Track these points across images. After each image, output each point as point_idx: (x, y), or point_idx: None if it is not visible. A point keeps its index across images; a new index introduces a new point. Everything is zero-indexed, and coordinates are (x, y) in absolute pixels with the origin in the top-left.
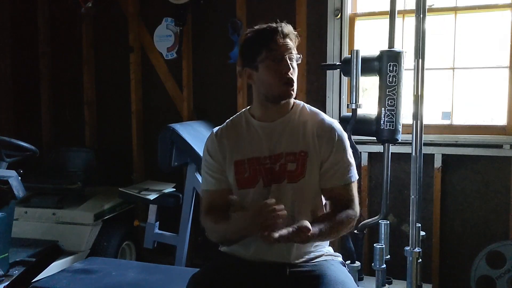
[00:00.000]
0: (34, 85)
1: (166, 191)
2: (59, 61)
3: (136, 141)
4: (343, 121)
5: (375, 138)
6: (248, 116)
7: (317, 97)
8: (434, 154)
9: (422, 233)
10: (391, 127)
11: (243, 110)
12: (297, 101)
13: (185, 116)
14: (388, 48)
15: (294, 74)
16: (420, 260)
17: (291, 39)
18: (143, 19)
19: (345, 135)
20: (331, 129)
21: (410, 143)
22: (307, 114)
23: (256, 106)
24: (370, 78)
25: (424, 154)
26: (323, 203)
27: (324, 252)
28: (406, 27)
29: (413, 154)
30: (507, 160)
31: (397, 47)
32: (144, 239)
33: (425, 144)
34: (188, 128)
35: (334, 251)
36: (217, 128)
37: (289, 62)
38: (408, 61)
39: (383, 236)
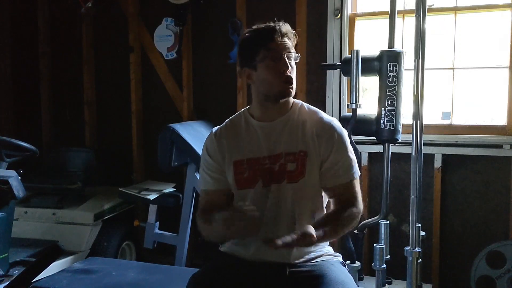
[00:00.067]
0: (34, 85)
1: (166, 191)
2: (59, 61)
3: (136, 141)
4: (343, 121)
5: (375, 138)
6: (248, 116)
7: (317, 97)
8: (434, 154)
9: (422, 233)
10: (391, 127)
11: (243, 110)
12: (296, 100)
13: (185, 116)
14: (388, 48)
15: (292, 73)
16: (420, 260)
17: (289, 38)
18: (143, 19)
19: (344, 132)
20: (330, 127)
21: (410, 143)
22: (306, 113)
23: (255, 106)
24: (370, 78)
25: (424, 154)
26: (324, 202)
27: (324, 252)
28: (406, 27)
29: (413, 154)
30: (507, 160)
31: (397, 47)
32: (144, 239)
33: (425, 144)
34: (188, 128)
35: (334, 251)
36: (216, 128)
37: (287, 61)
38: (408, 61)
39: (383, 236)
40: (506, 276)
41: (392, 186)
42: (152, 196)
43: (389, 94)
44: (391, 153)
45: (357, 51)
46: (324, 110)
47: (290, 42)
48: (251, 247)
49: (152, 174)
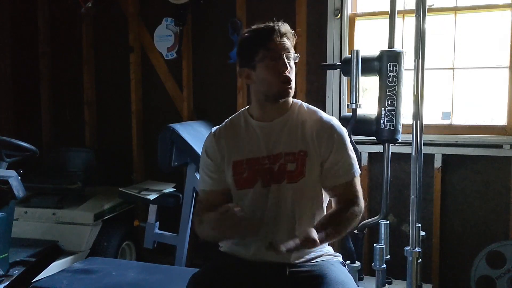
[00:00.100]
0: (34, 85)
1: (166, 191)
2: (59, 61)
3: (136, 141)
4: (343, 121)
5: (375, 138)
6: (247, 116)
7: (317, 97)
8: (434, 154)
9: (422, 233)
10: (391, 127)
11: (242, 109)
12: (295, 100)
13: (185, 116)
14: (388, 48)
15: (292, 73)
16: (420, 260)
17: (288, 38)
18: (143, 19)
19: (344, 131)
20: (330, 126)
21: (410, 143)
22: (305, 112)
23: (255, 106)
24: (370, 78)
25: (424, 154)
26: (324, 201)
27: (324, 252)
28: (406, 27)
29: (413, 154)
30: (507, 160)
31: (397, 47)
32: (144, 239)
33: (425, 144)
34: (188, 128)
35: (334, 251)
36: (215, 127)
37: (286, 61)
38: (408, 61)
39: (383, 236)
40: (506, 276)
41: (392, 186)
42: (152, 196)
43: (389, 94)
44: (391, 153)
45: (357, 51)
46: (324, 110)
47: (289, 42)
48: (251, 247)
49: (152, 174)
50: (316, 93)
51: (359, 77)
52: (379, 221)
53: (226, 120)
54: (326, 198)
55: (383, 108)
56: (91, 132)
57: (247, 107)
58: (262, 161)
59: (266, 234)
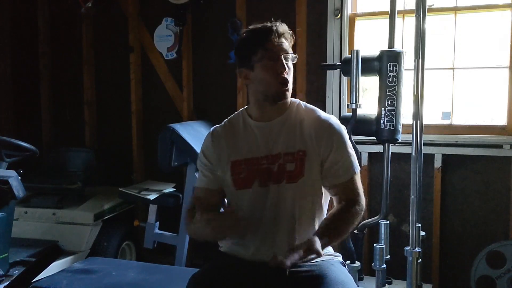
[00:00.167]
0: (34, 85)
1: (166, 191)
2: (59, 61)
3: (136, 141)
4: (343, 121)
5: (375, 138)
6: (246, 116)
7: (317, 97)
8: (434, 154)
9: (422, 233)
10: (391, 127)
11: (241, 109)
12: (293, 99)
13: (185, 116)
14: (388, 48)
15: (289, 74)
16: (420, 260)
17: (286, 39)
18: (143, 19)
19: (343, 128)
20: (328, 125)
21: (410, 143)
22: (303, 112)
23: (253, 106)
24: (370, 78)
25: (424, 154)
26: (324, 200)
27: (324, 252)
28: (406, 27)
29: (413, 154)
30: (507, 160)
31: (397, 47)
32: (144, 239)
33: (425, 144)
34: (188, 128)
35: (334, 251)
36: (214, 127)
37: (284, 62)
38: (408, 61)
39: (383, 236)
40: (506, 276)
41: (392, 186)
42: (152, 196)
43: (389, 94)
44: (391, 153)
45: (357, 51)
46: (324, 110)
47: (287, 43)
48: (251, 247)
49: (152, 174)
50: (316, 93)
51: (359, 77)
52: (379, 221)
53: (225, 120)
54: (326, 197)
55: (383, 108)
56: (91, 132)
57: (245, 107)
58: (260, 161)
59: (266, 234)
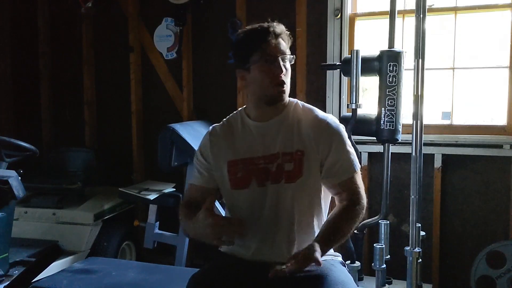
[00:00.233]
0: (34, 85)
1: (166, 191)
2: (59, 61)
3: (136, 141)
4: (343, 121)
5: (375, 138)
6: (244, 116)
7: (317, 97)
8: (434, 154)
9: (422, 233)
10: (391, 127)
11: (240, 109)
12: (291, 99)
13: (185, 116)
14: (388, 48)
15: (287, 76)
16: (420, 260)
17: (283, 39)
18: (143, 19)
19: (341, 127)
20: (326, 124)
21: (410, 143)
22: (301, 111)
23: (250, 106)
24: (370, 78)
25: (424, 154)
26: (323, 199)
27: None
28: (406, 27)
29: (413, 154)
30: (507, 160)
31: (397, 47)
32: (144, 239)
33: (425, 144)
34: (188, 128)
35: (334, 251)
36: (213, 126)
37: (281, 63)
38: (408, 61)
39: (383, 236)
40: (506, 276)
41: (392, 186)
42: (152, 196)
43: (389, 94)
44: (391, 153)
45: (357, 51)
46: (324, 110)
47: (284, 43)
48: (251, 247)
49: (152, 174)
50: (316, 93)
51: (359, 77)
52: (379, 221)
53: (224, 119)
54: (326, 196)
55: (383, 108)
56: (91, 132)
57: (244, 106)
58: (257, 161)
59: (265, 234)
